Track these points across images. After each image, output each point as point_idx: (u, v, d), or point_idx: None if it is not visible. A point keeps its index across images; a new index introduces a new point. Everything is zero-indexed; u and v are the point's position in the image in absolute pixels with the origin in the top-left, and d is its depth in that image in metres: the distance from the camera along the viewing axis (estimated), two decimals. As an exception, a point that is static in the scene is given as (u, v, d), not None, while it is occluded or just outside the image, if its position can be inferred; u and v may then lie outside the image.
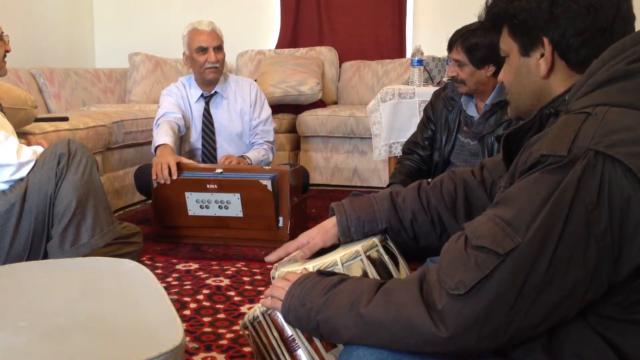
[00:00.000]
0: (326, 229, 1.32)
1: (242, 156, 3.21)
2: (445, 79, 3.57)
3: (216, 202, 2.92)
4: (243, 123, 3.33)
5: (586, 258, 0.83)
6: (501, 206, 0.90)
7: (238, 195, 2.89)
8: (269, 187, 2.85)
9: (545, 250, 0.83)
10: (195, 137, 3.31)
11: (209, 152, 3.30)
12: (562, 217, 0.83)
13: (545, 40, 1.03)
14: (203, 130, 3.29)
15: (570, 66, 1.04)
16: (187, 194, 2.93)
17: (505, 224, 0.86)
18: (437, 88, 3.01)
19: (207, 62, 3.16)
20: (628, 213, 0.82)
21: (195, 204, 2.94)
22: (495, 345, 0.88)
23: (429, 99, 2.87)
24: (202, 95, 3.28)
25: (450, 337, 0.87)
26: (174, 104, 3.23)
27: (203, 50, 3.17)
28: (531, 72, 1.06)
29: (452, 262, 0.90)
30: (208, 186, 2.90)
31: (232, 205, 2.91)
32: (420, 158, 2.81)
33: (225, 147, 3.31)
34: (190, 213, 2.96)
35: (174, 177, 2.88)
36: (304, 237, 1.35)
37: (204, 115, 3.29)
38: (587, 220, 0.82)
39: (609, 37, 1.01)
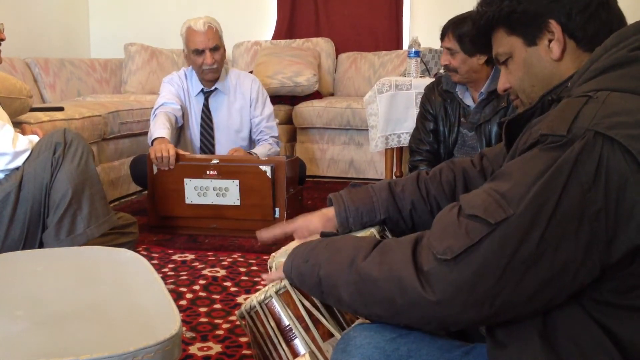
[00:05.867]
0: (327, 217, 1.32)
1: (249, 152, 3.21)
2: (441, 70, 3.57)
3: (214, 189, 2.93)
4: (242, 119, 3.32)
5: (578, 237, 0.82)
6: (497, 180, 0.90)
7: (237, 182, 2.89)
8: (268, 174, 2.85)
9: (536, 224, 0.83)
10: (194, 131, 3.30)
11: (207, 147, 3.30)
12: (556, 193, 0.83)
13: (553, 23, 1.03)
14: (202, 125, 3.28)
15: (578, 45, 1.04)
16: (186, 180, 2.93)
17: (500, 196, 0.86)
18: (431, 80, 3.00)
19: (203, 63, 3.13)
20: (624, 195, 0.81)
21: (194, 191, 2.94)
22: (481, 317, 0.88)
23: (423, 93, 2.86)
24: (202, 90, 3.27)
25: (437, 301, 0.87)
26: (174, 93, 3.21)
27: (199, 52, 3.13)
28: (542, 59, 1.06)
29: (443, 228, 0.90)
30: (207, 172, 2.91)
31: (229, 193, 2.92)
32: (429, 154, 2.78)
33: (223, 142, 3.30)
34: (187, 201, 2.96)
35: (172, 166, 2.89)
36: (302, 221, 1.35)
37: (202, 110, 3.28)
38: (581, 198, 0.82)
39: (610, 9, 1.03)
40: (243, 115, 3.32)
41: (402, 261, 0.91)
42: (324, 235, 1.15)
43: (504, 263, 0.84)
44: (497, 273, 0.84)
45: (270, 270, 1.31)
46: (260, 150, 3.23)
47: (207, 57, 3.11)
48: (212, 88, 3.26)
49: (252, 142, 3.40)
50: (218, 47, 3.16)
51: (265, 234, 1.38)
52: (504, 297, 0.85)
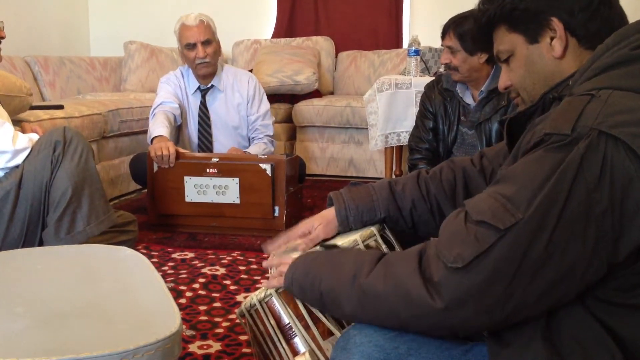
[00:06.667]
0: (328, 220, 1.32)
1: (244, 152, 3.20)
2: (441, 69, 3.57)
3: (214, 187, 2.93)
4: (240, 116, 3.32)
5: (586, 237, 0.82)
6: (502, 183, 0.90)
7: (237, 180, 2.90)
8: (268, 172, 2.85)
9: (545, 227, 0.83)
10: (192, 129, 3.30)
11: (205, 144, 3.30)
12: (563, 195, 0.83)
13: (555, 20, 1.03)
14: (199, 123, 3.28)
15: (580, 43, 1.04)
16: (186, 178, 2.94)
17: (506, 200, 0.86)
18: (431, 79, 3.00)
19: (196, 58, 3.13)
20: (629, 193, 0.81)
21: (193, 189, 2.94)
22: (492, 321, 0.88)
23: (423, 92, 2.86)
24: (198, 87, 3.27)
25: (445, 308, 0.87)
26: (172, 92, 3.21)
27: (191, 46, 3.13)
28: (544, 56, 1.06)
29: (451, 236, 0.90)
30: (208, 170, 2.91)
31: (229, 191, 2.92)
32: (428, 153, 2.78)
33: (221, 140, 3.30)
34: (187, 199, 2.96)
35: (172, 164, 2.89)
36: (304, 226, 1.34)
37: (200, 108, 3.27)
38: (587, 198, 0.82)
39: (611, 7, 1.03)
40: (241, 112, 3.31)
41: (408, 274, 0.91)
42: (324, 246, 1.14)
43: (514, 267, 0.84)
44: (508, 278, 0.84)
45: (269, 270, 1.31)
46: (255, 149, 3.22)
47: (199, 51, 3.11)
48: (209, 85, 3.26)
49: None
50: (210, 41, 3.16)
51: (271, 246, 1.36)
52: (514, 300, 0.85)
